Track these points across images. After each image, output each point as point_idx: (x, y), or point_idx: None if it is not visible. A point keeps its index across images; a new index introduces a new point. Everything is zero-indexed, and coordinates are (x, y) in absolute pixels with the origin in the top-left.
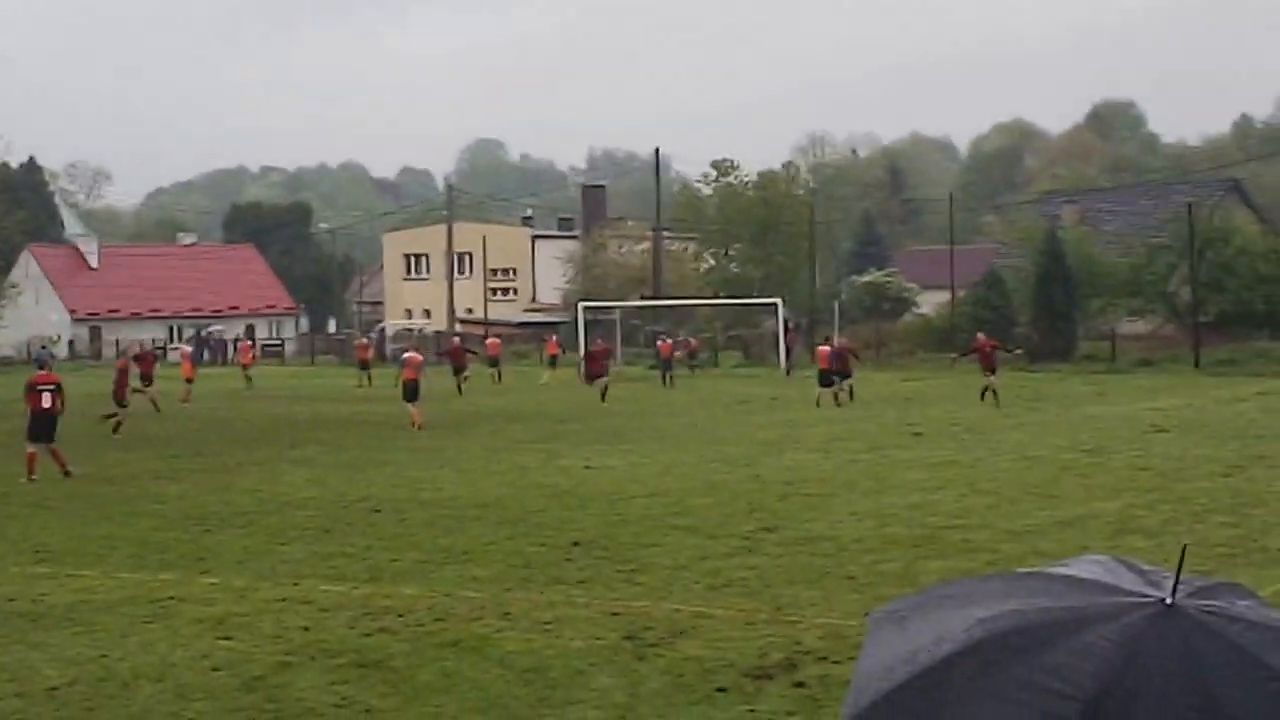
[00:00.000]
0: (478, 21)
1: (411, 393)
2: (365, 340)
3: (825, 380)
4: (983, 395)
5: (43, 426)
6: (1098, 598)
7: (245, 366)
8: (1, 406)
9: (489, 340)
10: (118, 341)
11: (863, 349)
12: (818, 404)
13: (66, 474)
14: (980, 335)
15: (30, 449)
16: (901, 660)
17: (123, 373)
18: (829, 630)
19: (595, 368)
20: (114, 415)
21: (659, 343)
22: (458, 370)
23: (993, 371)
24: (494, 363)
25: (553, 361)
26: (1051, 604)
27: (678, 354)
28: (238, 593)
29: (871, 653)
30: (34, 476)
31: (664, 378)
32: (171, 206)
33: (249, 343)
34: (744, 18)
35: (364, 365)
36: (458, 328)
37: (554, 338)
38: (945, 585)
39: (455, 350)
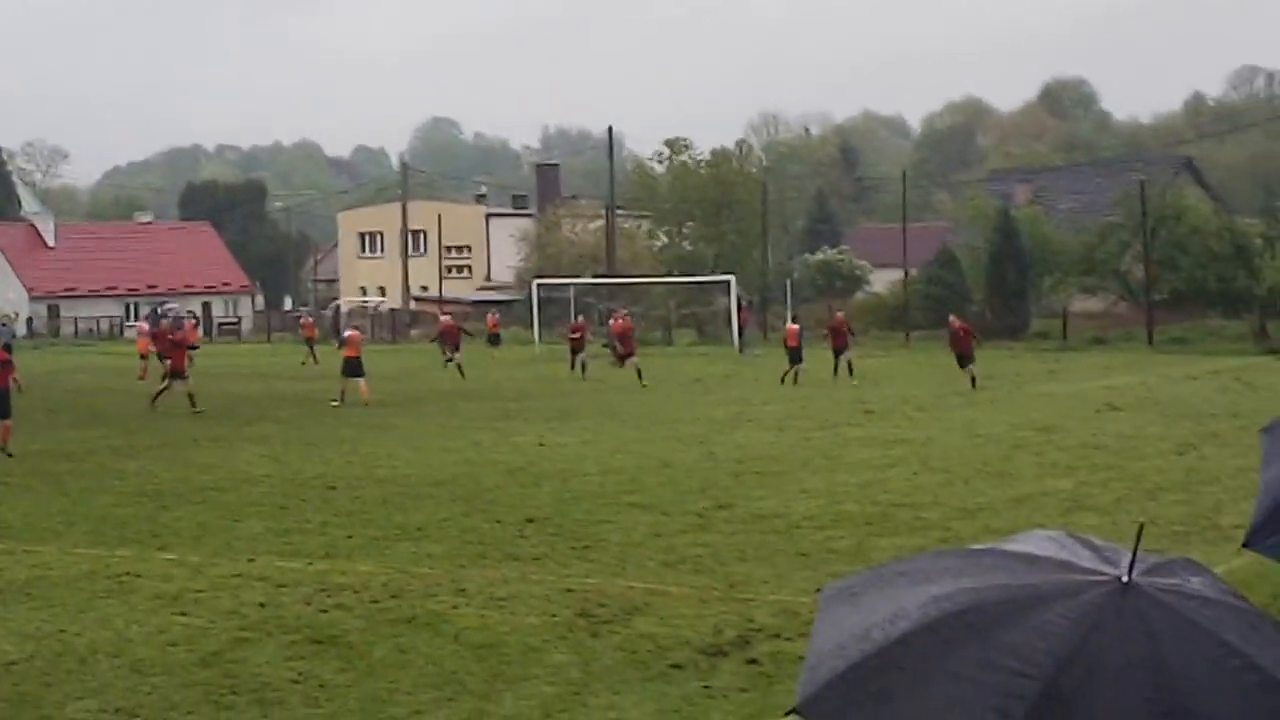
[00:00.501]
0: (432, 0)
1: (353, 369)
2: (310, 318)
3: (794, 358)
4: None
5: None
6: (1054, 575)
7: (190, 346)
8: None
9: (442, 319)
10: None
11: (815, 326)
12: (782, 381)
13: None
14: (954, 318)
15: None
16: (856, 638)
17: (178, 345)
18: (781, 607)
19: (629, 348)
20: (165, 390)
21: (612, 321)
22: (455, 349)
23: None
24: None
25: (494, 339)
26: (1008, 581)
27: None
28: (194, 568)
29: (825, 630)
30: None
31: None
32: (128, 185)
33: (193, 320)
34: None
35: (310, 342)
36: (412, 305)
37: (494, 314)
38: (899, 562)
39: (449, 329)
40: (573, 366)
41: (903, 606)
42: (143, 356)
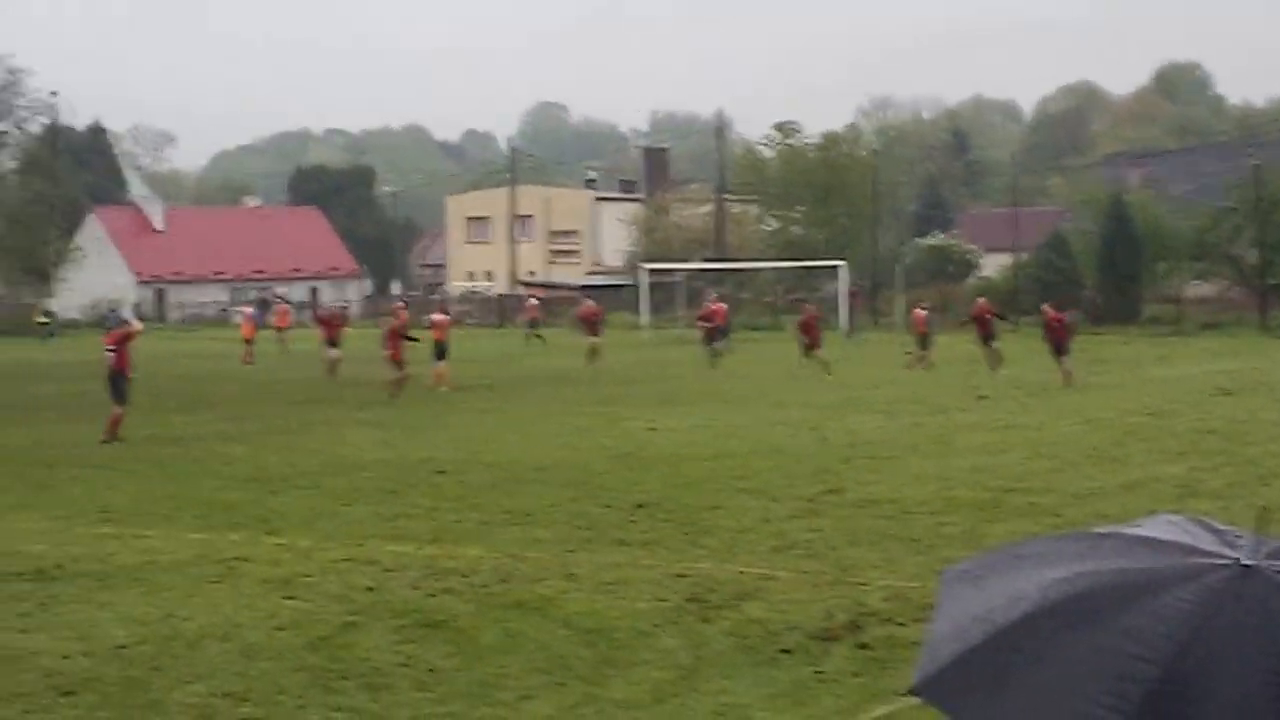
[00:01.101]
0: None
1: (440, 353)
2: (403, 303)
3: (922, 344)
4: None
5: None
6: (1174, 559)
7: (280, 330)
8: (68, 369)
9: (529, 303)
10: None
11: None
12: (908, 366)
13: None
14: (1047, 307)
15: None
16: (976, 620)
17: (393, 333)
18: (893, 592)
19: (815, 336)
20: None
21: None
22: (593, 333)
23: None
24: (534, 325)
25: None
26: (1128, 565)
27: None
28: (303, 553)
29: (945, 612)
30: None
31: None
32: (236, 169)
33: (285, 306)
34: None
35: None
36: (521, 290)
37: (587, 302)
38: (1019, 545)
39: (589, 314)
40: (710, 350)
41: (1023, 589)
42: (248, 341)
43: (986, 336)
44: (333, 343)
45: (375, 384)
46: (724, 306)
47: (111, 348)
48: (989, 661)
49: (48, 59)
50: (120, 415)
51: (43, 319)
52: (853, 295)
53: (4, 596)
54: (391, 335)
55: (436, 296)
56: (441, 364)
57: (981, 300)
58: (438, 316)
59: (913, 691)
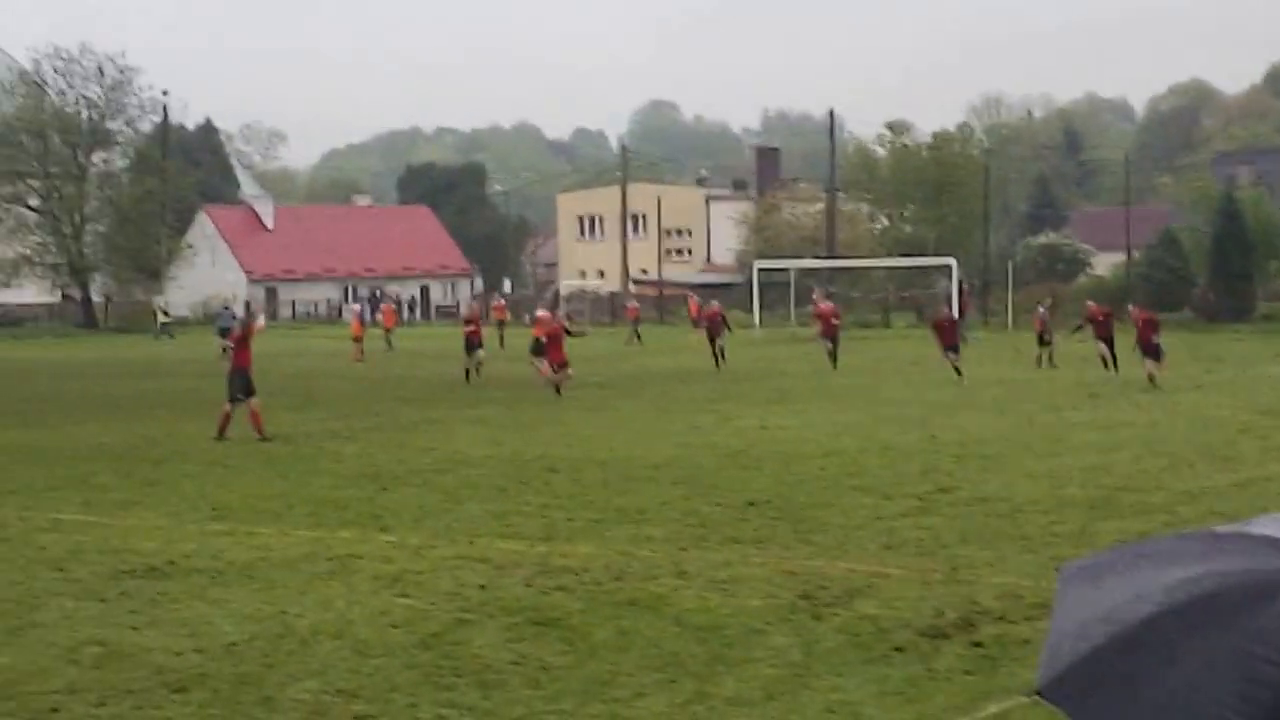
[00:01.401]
0: None
1: (539, 349)
2: (502, 300)
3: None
4: (1039, 362)
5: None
6: None
7: (388, 329)
8: (177, 366)
9: (629, 304)
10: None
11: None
12: (1038, 364)
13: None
14: (1133, 306)
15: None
16: (1098, 619)
17: (554, 334)
18: (1005, 590)
19: (950, 336)
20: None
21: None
22: (712, 339)
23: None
24: (635, 324)
25: (695, 324)
26: (1254, 566)
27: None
28: (414, 550)
29: (1066, 610)
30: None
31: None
32: (346, 167)
33: (392, 305)
34: None
35: (501, 325)
36: (632, 289)
37: (692, 297)
38: (1141, 543)
39: (713, 316)
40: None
41: (1146, 589)
42: (357, 339)
43: (1105, 338)
44: (476, 344)
45: (517, 383)
46: (830, 305)
47: (234, 344)
48: (1113, 663)
49: (160, 58)
50: (230, 413)
51: (163, 317)
52: (962, 294)
53: (115, 593)
54: (553, 336)
55: (547, 295)
56: (543, 360)
57: (1091, 304)
58: (541, 313)
59: (1036, 693)
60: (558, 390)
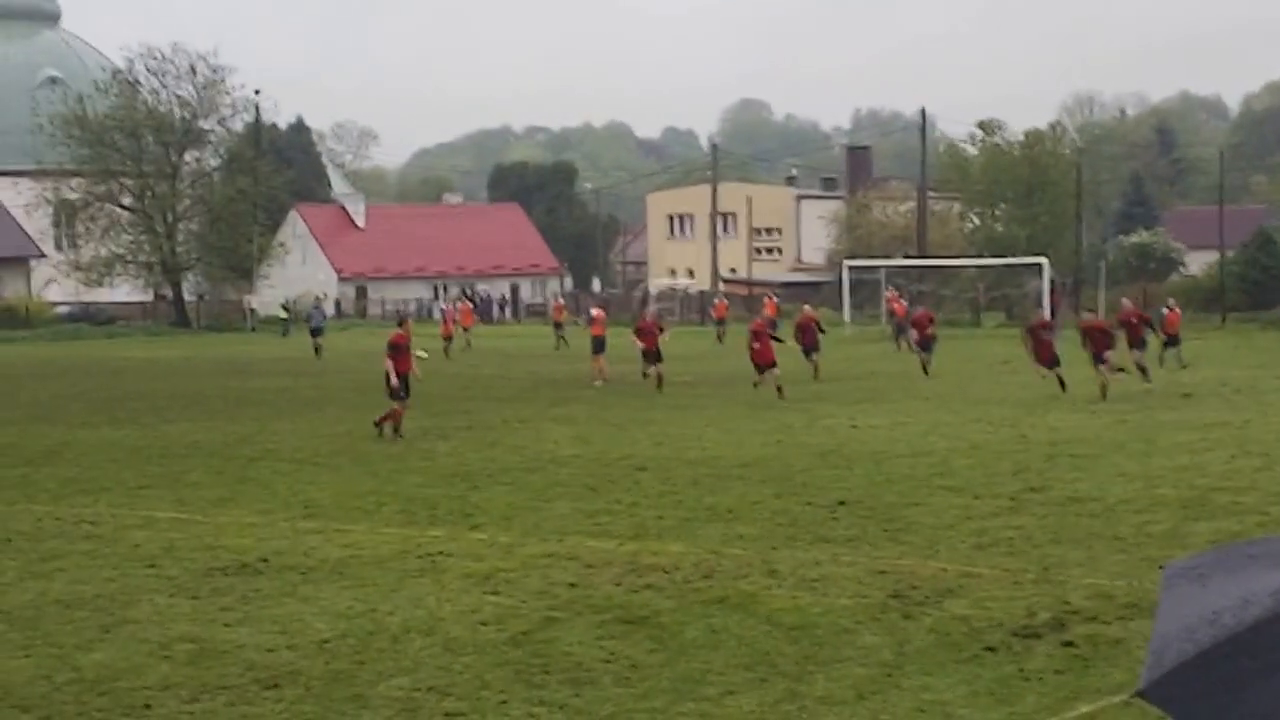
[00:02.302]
0: None
1: (598, 346)
2: (561, 300)
3: (1170, 342)
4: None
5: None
6: None
7: (466, 329)
8: (269, 365)
9: (717, 301)
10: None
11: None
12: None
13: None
14: (1126, 302)
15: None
16: (1204, 621)
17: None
18: (1097, 590)
19: (1047, 352)
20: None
21: (892, 302)
22: (808, 352)
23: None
24: (721, 324)
25: (773, 324)
26: None
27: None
28: (505, 548)
29: (1171, 611)
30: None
31: (897, 341)
32: (436, 166)
33: (469, 304)
34: None
35: (558, 325)
36: (721, 287)
37: (771, 297)
38: (1248, 544)
39: (806, 323)
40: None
41: (1254, 591)
42: (446, 339)
43: (1136, 342)
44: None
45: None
46: (905, 303)
47: (392, 352)
48: (1219, 667)
49: (252, 57)
50: (400, 411)
51: (283, 313)
52: (1054, 293)
53: (208, 590)
54: (646, 331)
55: (637, 293)
56: (601, 356)
57: (1127, 303)
58: (596, 311)
59: (1140, 695)
60: (659, 382)
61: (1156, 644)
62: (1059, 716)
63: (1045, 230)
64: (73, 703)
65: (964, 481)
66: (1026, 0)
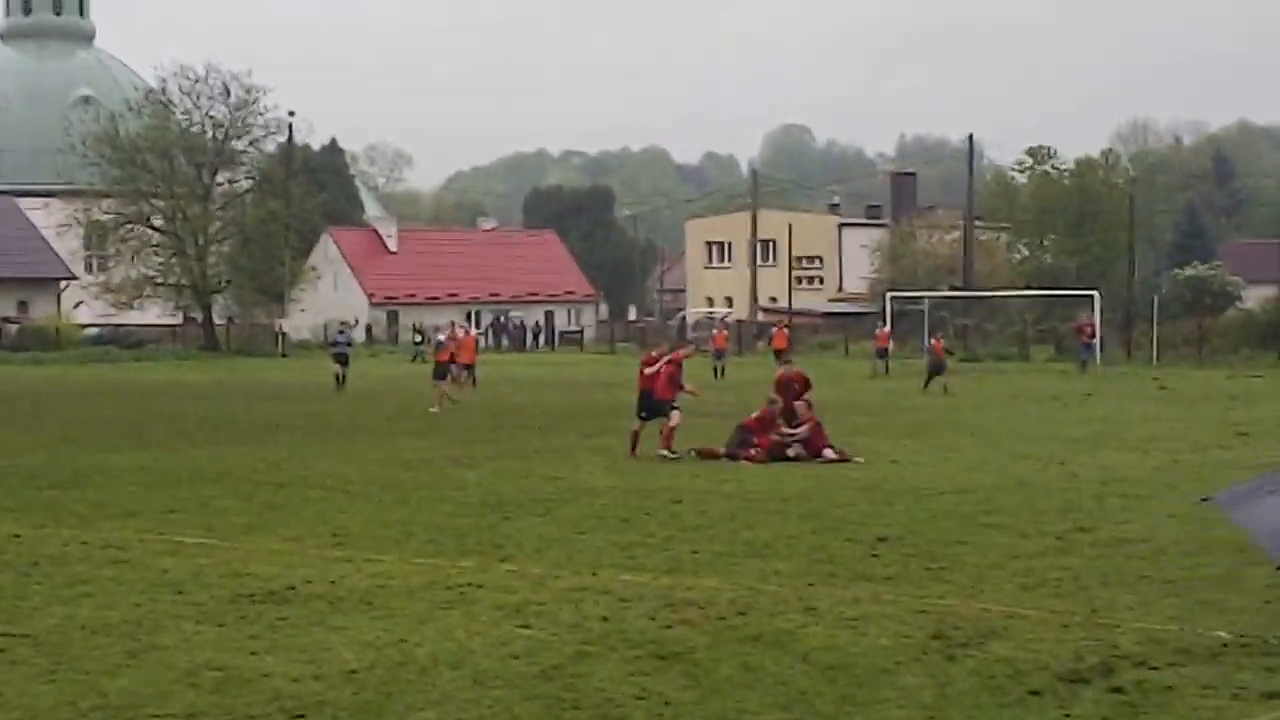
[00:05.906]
0: (784, 7)
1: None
2: (726, 330)
3: None
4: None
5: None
6: None
7: (468, 367)
8: (298, 390)
9: (777, 330)
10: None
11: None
12: None
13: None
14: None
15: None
16: None
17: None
18: (1146, 635)
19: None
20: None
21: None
22: (935, 370)
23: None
24: (719, 355)
25: (882, 354)
26: None
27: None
28: (536, 580)
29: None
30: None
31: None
32: (471, 190)
33: (475, 333)
34: (1064, 2)
35: (719, 354)
36: (760, 316)
37: (884, 328)
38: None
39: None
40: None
41: None
42: (469, 366)
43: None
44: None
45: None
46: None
47: (653, 369)
48: None
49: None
50: (673, 428)
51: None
52: (1077, 330)
53: (235, 618)
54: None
55: (673, 322)
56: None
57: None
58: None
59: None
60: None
61: (1264, 531)
62: None
63: (1096, 261)
64: None
65: (1010, 519)
66: (1075, 24)
